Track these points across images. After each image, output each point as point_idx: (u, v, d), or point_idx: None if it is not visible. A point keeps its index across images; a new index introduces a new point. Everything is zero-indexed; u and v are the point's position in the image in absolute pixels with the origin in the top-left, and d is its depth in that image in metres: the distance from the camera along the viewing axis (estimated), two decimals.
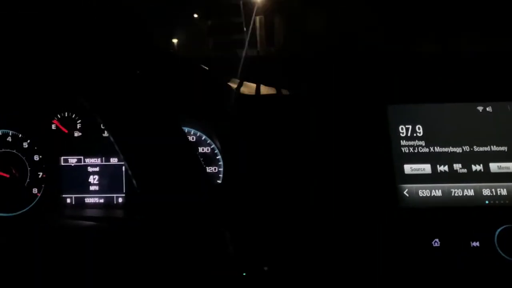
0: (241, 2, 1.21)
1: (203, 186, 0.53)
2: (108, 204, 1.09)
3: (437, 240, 0.74)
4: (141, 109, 0.52)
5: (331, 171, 0.77)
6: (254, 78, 0.92)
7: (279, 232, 0.77)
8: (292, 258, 0.75)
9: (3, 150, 1.09)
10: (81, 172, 1.09)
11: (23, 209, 1.08)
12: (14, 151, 1.09)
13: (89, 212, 1.07)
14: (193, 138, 1.08)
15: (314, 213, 0.76)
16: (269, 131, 0.82)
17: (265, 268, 0.72)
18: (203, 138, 1.07)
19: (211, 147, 1.06)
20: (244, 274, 0.79)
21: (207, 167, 1.07)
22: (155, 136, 0.52)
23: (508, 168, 0.79)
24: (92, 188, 1.09)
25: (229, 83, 0.98)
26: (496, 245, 0.72)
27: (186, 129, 1.08)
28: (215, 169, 1.07)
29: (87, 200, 1.09)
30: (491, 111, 0.82)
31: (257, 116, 0.83)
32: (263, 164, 0.81)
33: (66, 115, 1.09)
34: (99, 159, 1.09)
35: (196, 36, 1.23)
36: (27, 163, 1.09)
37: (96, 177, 1.09)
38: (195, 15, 1.34)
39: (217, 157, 1.06)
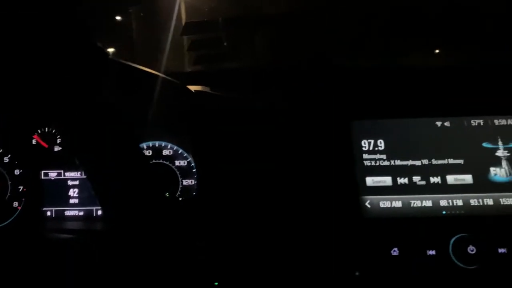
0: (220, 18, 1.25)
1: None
2: (88, 217, 1.12)
3: (396, 249, 0.78)
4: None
5: (297, 183, 0.81)
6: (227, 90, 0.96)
7: (249, 242, 0.81)
8: (260, 269, 0.79)
9: None
10: (61, 186, 1.12)
11: (4, 222, 1.11)
12: None
13: (69, 225, 1.10)
14: (170, 152, 1.12)
15: (281, 224, 0.80)
16: (237, 144, 0.85)
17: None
18: (179, 152, 1.11)
19: (188, 160, 1.10)
20: (216, 283, 0.83)
21: (183, 180, 1.11)
22: (112, 157, 0.55)
23: (463, 180, 0.83)
24: (72, 201, 1.12)
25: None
26: (451, 253, 0.77)
27: (163, 143, 1.12)
28: (191, 181, 1.11)
29: (67, 213, 1.12)
30: (449, 126, 0.86)
31: (224, 130, 0.87)
32: (234, 177, 0.85)
33: (46, 130, 1.13)
34: (78, 173, 1.12)
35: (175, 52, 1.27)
36: (7, 177, 1.11)
37: (76, 190, 1.12)
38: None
39: (193, 170, 1.09)
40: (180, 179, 1.11)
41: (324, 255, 0.77)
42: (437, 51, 0.92)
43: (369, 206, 0.82)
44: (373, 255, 0.77)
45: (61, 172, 1.12)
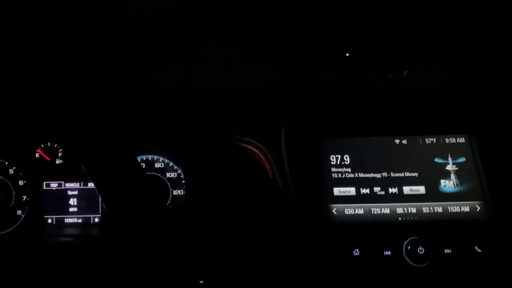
0: None
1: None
2: (86, 224, 1.23)
3: (357, 250, 0.90)
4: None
5: (272, 192, 0.93)
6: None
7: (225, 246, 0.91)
8: (242, 268, 0.89)
9: None
10: (62, 195, 1.23)
11: (8, 229, 1.21)
12: (1, 177, 1.22)
13: (69, 231, 1.20)
14: (161, 165, 1.24)
15: (258, 230, 0.91)
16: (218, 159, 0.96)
17: None
18: (170, 165, 1.23)
19: (178, 172, 1.21)
20: (201, 282, 0.94)
21: (173, 190, 1.23)
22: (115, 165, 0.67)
23: (418, 190, 0.96)
24: (71, 209, 1.23)
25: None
26: (404, 253, 0.89)
27: (155, 157, 1.24)
28: (181, 192, 1.23)
29: (67, 220, 1.23)
30: (406, 143, 0.99)
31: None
32: (216, 189, 0.96)
33: (48, 145, 1.24)
34: (78, 183, 1.23)
35: None
36: (12, 188, 1.22)
37: (75, 199, 1.23)
38: None
39: (182, 181, 1.21)
40: (170, 189, 1.23)
41: (296, 256, 0.89)
42: (394, 74, 1.02)
43: (335, 213, 0.95)
44: (338, 255, 0.89)
45: (61, 183, 1.23)
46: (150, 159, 1.24)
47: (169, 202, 1.23)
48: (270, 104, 1.02)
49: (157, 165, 1.24)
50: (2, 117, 1.18)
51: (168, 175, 1.23)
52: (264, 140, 1.01)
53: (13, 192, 1.21)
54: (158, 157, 1.24)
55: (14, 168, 1.22)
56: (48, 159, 1.23)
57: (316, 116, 1.01)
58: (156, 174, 1.23)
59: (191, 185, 0.98)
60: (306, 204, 0.93)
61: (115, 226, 0.83)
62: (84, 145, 0.74)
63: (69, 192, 1.23)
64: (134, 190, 0.74)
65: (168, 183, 1.23)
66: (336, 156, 0.99)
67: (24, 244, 1.16)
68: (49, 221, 1.22)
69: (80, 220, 1.23)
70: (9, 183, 1.21)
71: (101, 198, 0.72)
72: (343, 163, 0.98)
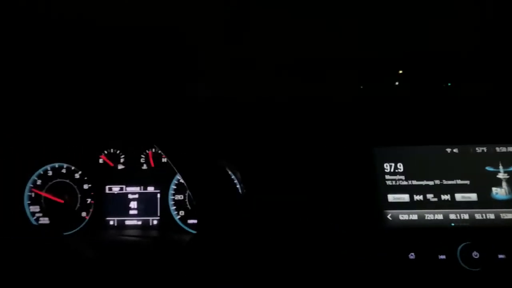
0: None
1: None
2: (145, 226, 1.31)
3: (412, 253, 0.94)
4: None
5: (328, 200, 0.98)
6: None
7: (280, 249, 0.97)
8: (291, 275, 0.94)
9: (58, 180, 1.31)
10: (123, 199, 1.31)
11: (74, 229, 1.29)
12: (68, 180, 1.31)
13: (129, 232, 1.28)
14: None
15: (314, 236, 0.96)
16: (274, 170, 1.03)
17: None
18: None
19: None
20: None
21: None
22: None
23: (469, 197, 1.00)
24: (131, 212, 1.31)
25: None
26: (458, 258, 0.93)
27: None
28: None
29: (127, 222, 1.31)
30: (457, 152, 1.03)
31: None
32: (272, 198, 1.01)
33: (111, 151, 1.32)
34: (138, 187, 1.31)
35: None
36: (77, 191, 1.31)
37: (135, 203, 1.31)
38: None
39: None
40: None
41: (352, 262, 0.94)
42: (448, 84, 1.07)
43: (390, 218, 0.99)
44: (393, 259, 0.94)
45: (123, 187, 1.31)
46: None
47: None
48: (325, 113, 1.07)
49: None
50: (70, 124, 1.27)
51: None
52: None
53: (79, 195, 1.30)
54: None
55: (79, 172, 1.31)
56: (112, 164, 1.31)
57: (369, 125, 1.05)
58: None
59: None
60: (362, 210, 0.98)
61: (208, 220, 0.89)
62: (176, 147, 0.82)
63: (130, 196, 1.31)
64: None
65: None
66: (390, 164, 1.03)
67: (88, 244, 1.24)
68: (111, 222, 1.31)
69: (139, 222, 1.31)
70: (75, 186, 1.30)
71: (192, 195, 0.79)
72: (396, 171, 1.03)
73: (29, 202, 1.30)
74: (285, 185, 1.00)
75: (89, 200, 1.30)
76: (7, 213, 1.27)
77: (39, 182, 1.30)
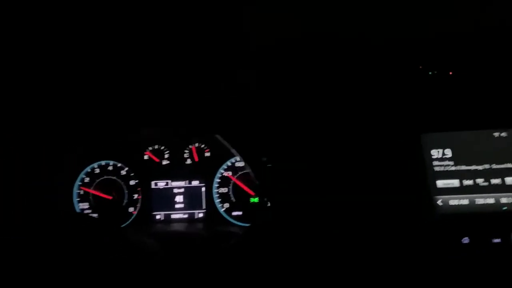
0: None
1: None
2: (191, 219, 1.34)
3: (466, 238, 0.95)
4: None
5: (377, 185, 0.99)
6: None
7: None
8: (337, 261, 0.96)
9: (105, 177, 1.35)
10: (169, 193, 1.34)
11: (122, 225, 1.33)
12: (114, 177, 1.35)
13: (176, 226, 1.32)
14: None
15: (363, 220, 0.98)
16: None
17: None
18: None
19: None
20: None
21: None
22: None
23: None
24: (177, 206, 1.34)
25: None
26: None
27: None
28: None
29: (173, 216, 1.34)
30: (505, 136, 1.03)
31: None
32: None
33: (156, 147, 1.35)
34: (183, 182, 1.34)
35: None
36: (124, 187, 1.34)
37: (181, 197, 1.34)
38: None
39: None
40: None
41: (404, 248, 0.95)
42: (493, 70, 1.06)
43: (440, 204, 1.00)
44: (446, 244, 0.94)
45: (168, 182, 1.34)
46: None
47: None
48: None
49: None
50: (115, 123, 1.30)
51: None
52: None
53: (126, 191, 1.34)
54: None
55: (126, 169, 1.34)
56: (157, 160, 1.34)
57: (416, 111, 1.06)
58: None
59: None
60: (412, 197, 0.99)
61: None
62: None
63: (175, 190, 1.34)
64: None
65: None
66: (438, 150, 1.03)
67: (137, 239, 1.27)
68: (158, 217, 1.34)
69: (185, 216, 1.34)
70: (122, 183, 1.34)
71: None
72: (444, 156, 1.03)
73: (78, 199, 1.34)
74: (332, 176, 1.02)
75: (136, 196, 1.34)
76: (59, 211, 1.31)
77: (87, 179, 1.34)
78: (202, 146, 1.34)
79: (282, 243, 0.95)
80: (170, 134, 1.30)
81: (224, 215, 1.31)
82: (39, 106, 1.12)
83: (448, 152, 1.03)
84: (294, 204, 1.01)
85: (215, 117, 0.93)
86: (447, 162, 1.02)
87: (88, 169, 1.34)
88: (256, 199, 1.31)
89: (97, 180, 1.34)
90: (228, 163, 1.32)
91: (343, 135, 1.04)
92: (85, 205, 1.34)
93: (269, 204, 0.90)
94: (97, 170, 1.34)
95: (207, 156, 1.33)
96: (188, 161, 1.34)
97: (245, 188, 1.31)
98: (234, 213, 1.31)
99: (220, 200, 1.32)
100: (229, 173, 1.32)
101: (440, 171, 1.02)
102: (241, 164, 1.32)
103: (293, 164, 1.02)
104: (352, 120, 1.07)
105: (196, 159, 1.33)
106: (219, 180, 1.32)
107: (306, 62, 1.06)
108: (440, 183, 1.01)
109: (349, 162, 1.02)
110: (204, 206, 1.32)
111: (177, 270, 0.88)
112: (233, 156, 1.32)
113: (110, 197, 1.32)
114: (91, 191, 1.33)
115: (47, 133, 1.17)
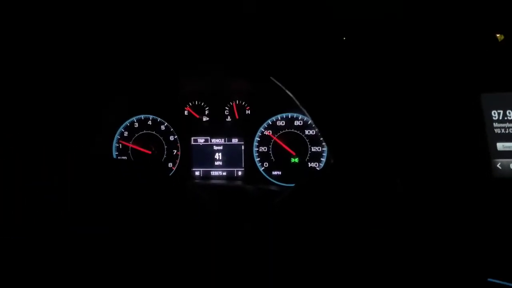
0: None
1: None
2: (230, 176, 1.32)
3: None
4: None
5: (435, 149, 0.94)
6: None
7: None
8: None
9: (144, 131, 1.33)
10: (208, 150, 1.32)
11: None
12: (154, 132, 1.33)
13: (215, 183, 1.30)
14: (300, 123, 1.28)
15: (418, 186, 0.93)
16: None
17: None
18: (309, 122, 1.27)
19: (316, 130, 1.26)
20: None
21: (312, 147, 1.28)
22: None
23: None
24: (216, 163, 1.32)
25: None
26: None
27: (294, 115, 1.29)
28: (319, 148, 1.27)
29: (213, 173, 1.32)
30: None
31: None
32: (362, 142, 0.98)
33: (196, 103, 1.32)
34: (223, 139, 1.32)
35: None
36: (164, 142, 1.33)
37: (220, 154, 1.32)
38: None
39: (321, 139, 1.25)
40: (309, 146, 1.28)
41: (460, 212, 0.90)
42: None
43: (500, 167, 0.94)
44: (506, 211, 0.90)
45: (208, 139, 1.32)
46: (290, 116, 1.29)
47: (307, 158, 1.28)
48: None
49: (296, 122, 1.29)
50: (156, 77, 1.27)
51: (306, 132, 1.28)
52: None
53: (165, 147, 1.32)
54: (297, 115, 1.28)
55: (165, 124, 1.32)
56: (197, 116, 1.31)
57: (476, 70, 0.99)
58: (295, 131, 1.28)
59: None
60: (470, 159, 0.94)
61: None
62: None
63: (215, 147, 1.32)
64: None
65: (307, 140, 1.28)
66: (498, 111, 0.97)
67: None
68: (197, 173, 1.33)
69: (225, 173, 1.32)
70: (161, 138, 1.32)
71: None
72: (506, 118, 0.97)
73: (117, 153, 1.33)
74: (388, 135, 0.97)
75: (175, 151, 1.32)
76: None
77: (126, 133, 1.33)
78: (243, 103, 1.30)
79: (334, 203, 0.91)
80: (214, 81, 1.25)
81: (264, 174, 1.29)
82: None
83: (510, 114, 0.97)
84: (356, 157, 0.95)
85: (271, 57, 0.88)
86: (508, 124, 0.96)
87: (127, 123, 1.32)
88: (296, 159, 1.28)
89: (136, 135, 1.32)
90: (269, 121, 1.28)
91: (402, 93, 0.98)
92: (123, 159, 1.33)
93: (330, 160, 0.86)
94: (136, 125, 1.32)
95: (247, 114, 1.30)
96: (228, 118, 1.31)
97: (286, 148, 1.27)
98: (274, 173, 1.29)
99: (259, 159, 1.29)
100: (270, 132, 1.28)
101: (500, 133, 0.96)
102: (282, 123, 1.28)
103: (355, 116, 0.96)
104: (411, 76, 1.01)
105: (237, 116, 1.30)
106: (259, 139, 1.29)
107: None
108: (500, 146, 0.95)
109: (407, 120, 0.97)
110: (243, 165, 1.30)
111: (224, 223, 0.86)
112: (274, 114, 1.28)
113: (149, 152, 1.31)
114: (130, 145, 1.32)
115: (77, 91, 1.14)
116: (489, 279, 0.86)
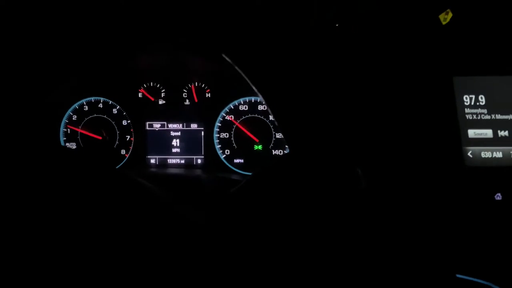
0: None
1: None
2: (189, 164, 1.22)
3: (499, 194, 0.85)
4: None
5: (401, 135, 0.88)
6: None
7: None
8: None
9: (95, 115, 1.22)
10: (164, 136, 1.22)
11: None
12: (105, 116, 1.22)
13: (172, 171, 1.20)
14: (264, 107, 1.20)
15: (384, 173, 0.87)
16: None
17: None
18: None
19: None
20: None
21: (276, 134, 1.20)
22: None
23: None
24: (174, 150, 1.23)
25: None
26: None
27: (258, 99, 1.20)
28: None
29: (170, 161, 1.23)
30: None
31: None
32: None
33: (151, 85, 1.22)
34: (180, 124, 1.22)
35: None
36: (116, 127, 1.22)
37: (178, 140, 1.22)
38: None
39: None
40: (273, 132, 1.20)
41: (430, 202, 0.84)
42: None
43: (471, 156, 0.89)
44: (477, 200, 0.84)
45: (164, 124, 1.22)
46: (253, 101, 1.21)
47: (271, 145, 1.20)
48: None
49: (260, 107, 1.20)
50: (107, 56, 1.16)
51: (271, 117, 1.20)
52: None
53: (117, 132, 1.22)
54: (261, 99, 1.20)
55: (117, 107, 1.22)
56: (152, 99, 1.21)
57: (449, 52, 0.93)
58: (259, 116, 1.20)
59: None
60: (439, 146, 0.88)
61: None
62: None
63: (172, 133, 1.22)
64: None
65: (271, 126, 1.20)
66: (470, 96, 0.91)
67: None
68: (152, 161, 1.23)
69: (183, 161, 1.23)
70: (113, 122, 1.22)
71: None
72: (478, 103, 0.91)
73: (64, 139, 1.22)
74: (349, 121, 0.90)
75: (128, 137, 1.22)
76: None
77: (74, 117, 1.22)
78: (203, 85, 1.21)
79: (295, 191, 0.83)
80: (170, 59, 1.15)
81: (225, 162, 1.20)
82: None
83: (482, 99, 0.91)
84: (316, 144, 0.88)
85: (225, 32, 0.79)
86: (480, 110, 0.91)
87: (76, 106, 1.21)
88: (260, 147, 1.20)
89: (86, 119, 1.21)
90: (231, 105, 1.20)
91: (366, 75, 0.91)
92: (72, 146, 1.22)
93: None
94: (86, 108, 1.21)
95: (207, 97, 1.21)
96: (187, 102, 1.21)
97: (249, 134, 1.19)
98: (236, 161, 1.20)
99: (220, 146, 1.21)
100: (232, 117, 1.19)
101: (472, 120, 0.90)
102: (245, 107, 1.20)
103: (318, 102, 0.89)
104: (376, 57, 0.94)
105: (196, 99, 1.20)
106: (220, 124, 1.20)
107: None
108: (472, 133, 0.90)
109: (371, 104, 0.89)
110: (203, 152, 1.21)
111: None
112: (236, 98, 1.20)
113: (99, 137, 1.20)
114: (79, 130, 1.21)
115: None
116: (458, 275, 0.80)
